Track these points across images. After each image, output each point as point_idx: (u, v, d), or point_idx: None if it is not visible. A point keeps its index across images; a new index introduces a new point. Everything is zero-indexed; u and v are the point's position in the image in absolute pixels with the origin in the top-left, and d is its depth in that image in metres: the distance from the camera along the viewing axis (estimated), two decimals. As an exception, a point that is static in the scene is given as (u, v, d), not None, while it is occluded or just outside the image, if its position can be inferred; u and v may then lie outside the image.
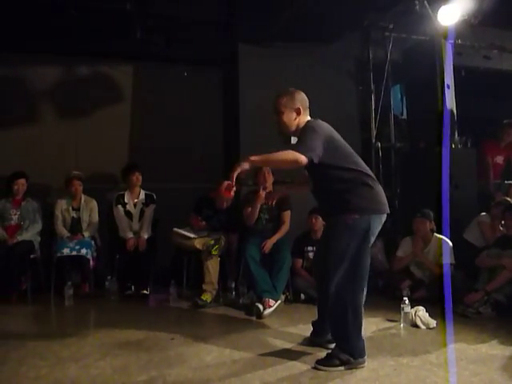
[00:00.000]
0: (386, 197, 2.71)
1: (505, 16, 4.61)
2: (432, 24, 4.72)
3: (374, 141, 5.53)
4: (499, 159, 5.14)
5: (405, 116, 6.04)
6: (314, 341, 2.93)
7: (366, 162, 5.81)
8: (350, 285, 2.55)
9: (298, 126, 2.67)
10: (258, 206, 4.17)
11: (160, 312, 3.97)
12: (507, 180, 5.18)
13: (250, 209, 4.20)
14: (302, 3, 4.42)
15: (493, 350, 2.84)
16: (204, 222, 4.44)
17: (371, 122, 5.54)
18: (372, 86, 5.53)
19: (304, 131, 2.55)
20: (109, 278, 4.42)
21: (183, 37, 5.12)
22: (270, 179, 4.27)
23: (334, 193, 2.60)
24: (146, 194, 4.74)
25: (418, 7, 4.54)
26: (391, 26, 5.26)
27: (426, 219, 4.22)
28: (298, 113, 2.66)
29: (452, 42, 4.76)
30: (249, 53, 5.27)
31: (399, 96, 6.00)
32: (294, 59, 5.28)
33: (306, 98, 2.74)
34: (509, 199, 4.51)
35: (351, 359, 2.51)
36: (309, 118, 2.70)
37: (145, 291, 4.35)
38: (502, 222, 4.19)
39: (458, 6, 4.37)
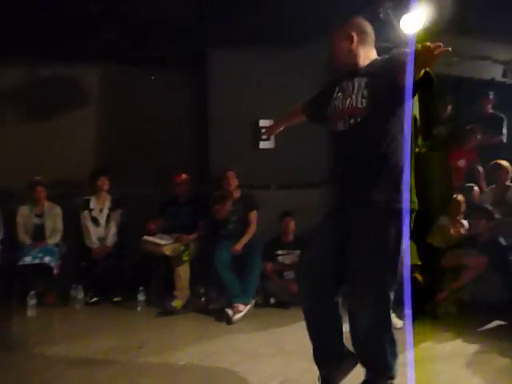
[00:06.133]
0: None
1: (465, 24, 4.79)
2: (396, 31, 4.84)
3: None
4: (461, 163, 5.30)
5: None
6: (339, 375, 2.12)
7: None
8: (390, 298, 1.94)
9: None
10: (228, 204, 4.18)
11: (128, 319, 3.89)
12: (468, 183, 5.35)
13: (217, 206, 4.22)
14: (269, 8, 4.45)
15: (457, 347, 2.92)
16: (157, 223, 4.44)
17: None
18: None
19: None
20: (74, 286, 4.29)
21: (150, 39, 5.05)
22: (234, 183, 4.27)
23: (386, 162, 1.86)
24: (112, 199, 4.65)
25: (381, 15, 4.64)
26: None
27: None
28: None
29: (412, 49, 4.88)
30: (218, 57, 5.26)
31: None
32: (264, 63, 5.31)
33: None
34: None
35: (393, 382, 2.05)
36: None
37: (116, 298, 4.26)
38: (465, 223, 4.32)
39: (421, 14, 4.50)
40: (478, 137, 5.30)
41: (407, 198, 1.86)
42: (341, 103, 1.95)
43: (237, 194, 4.28)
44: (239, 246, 4.07)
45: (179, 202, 4.57)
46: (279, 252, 4.42)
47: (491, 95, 5.68)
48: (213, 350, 2.92)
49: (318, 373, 2.22)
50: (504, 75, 5.55)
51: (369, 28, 2.08)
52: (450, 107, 4.93)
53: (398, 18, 4.72)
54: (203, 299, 4.32)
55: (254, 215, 4.27)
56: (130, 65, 5.30)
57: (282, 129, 2.50)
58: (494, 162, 4.71)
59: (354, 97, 1.90)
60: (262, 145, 5.35)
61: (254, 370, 2.55)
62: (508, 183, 4.59)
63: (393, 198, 1.83)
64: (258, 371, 2.53)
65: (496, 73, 5.71)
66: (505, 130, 5.52)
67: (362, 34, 2.03)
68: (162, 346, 3.02)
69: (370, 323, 1.89)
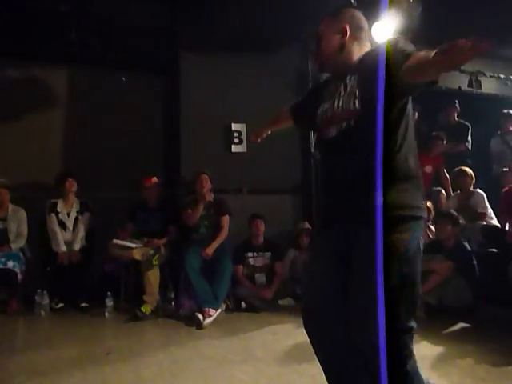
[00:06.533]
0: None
1: (432, 34, 4.93)
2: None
3: (312, 150, 5.67)
4: (428, 169, 5.44)
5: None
6: None
7: (305, 171, 5.91)
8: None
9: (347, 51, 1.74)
10: (200, 208, 4.15)
11: (95, 326, 3.80)
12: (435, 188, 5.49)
13: (189, 210, 4.18)
14: (243, 13, 4.46)
15: (423, 350, 2.97)
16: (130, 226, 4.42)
17: (310, 132, 5.68)
18: (311, 97, 5.68)
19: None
20: (39, 291, 4.16)
21: (122, 41, 4.98)
22: (207, 186, 4.25)
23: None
24: (80, 203, 4.54)
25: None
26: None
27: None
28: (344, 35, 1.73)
29: (382, 57, 4.99)
30: (190, 60, 5.23)
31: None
32: (237, 69, 5.31)
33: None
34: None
35: None
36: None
37: (83, 304, 4.15)
38: (432, 228, 4.43)
39: (390, 24, 4.61)
40: (444, 143, 5.46)
41: (417, 205, 1.59)
42: (331, 107, 1.69)
43: (210, 197, 4.25)
44: (210, 251, 4.05)
45: (149, 206, 4.52)
46: (249, 255, 4.43)
47: (457, 104, 5.87)
48: (182, 356, 2.88)
49: (288, 378, 2.22)
50: (470, 85, 5.74)
51: (365, 23, 1.78)
52: (416, 114, 5.06)
53: (370, 26, 4.82)
54: (173, 304, 4.26)
55: (225, 220, 4.25)
56: (100, 66, 5.20)
57: (269, 133, 2.26)
58: (459, 168, 4.86)
59: (345, 99, 1.63)
60: (235, 148, 5.36)
61: (224, 376, 2.53)
62: (471, 189, 4.74)
63: (401, 205, 1.55)
64: (227, 377, 2.51)
65: (462, 82, 5.91)
66: (470, 138, 5.71)
67: (356, 28, 1.74)
68: (130, 352, 2.96)
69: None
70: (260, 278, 4.42)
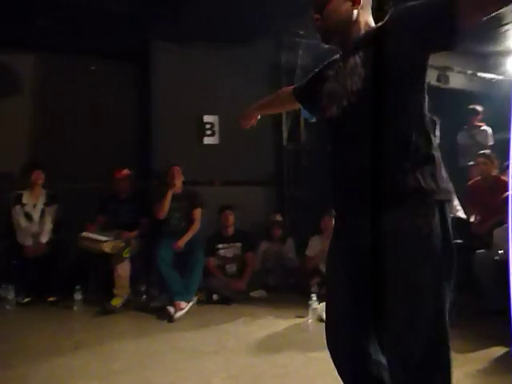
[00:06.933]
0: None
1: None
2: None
3: (285, 143, 5.70)
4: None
5: (314, 120, 6.30)
6: None
7: (277, 164, 5.92)
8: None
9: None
10: (169, 197, 4.11)
11: (64, 320, 3.72)
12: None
13: (160, 203, 4.14)
14: (216, 3, 4.41)
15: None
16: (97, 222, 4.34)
17: (282, 124, 5.69)
18: (284, 90, 5.69)
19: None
20: (4, 286, 4.04)
21: (91, 28, 4.85)
22: (179, 178, 4.21)
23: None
24: (47, 194, 4.42)
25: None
26: (302, 33, 5.45)
27: (333, 217, 4.43)
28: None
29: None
30: (162, 49, 5.15)
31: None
32: (209, 59, 5.26)
33: None
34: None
35: None
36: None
37: (51, 298, 4.05)
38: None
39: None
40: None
41: (447, 188, 1.39)
42: (336, 87, 1.51)
43: (179, 190, 4.22)
44: (182, 243, 4.02)
45: (120, 198, 4.44)
46: (220, 246, 4.44)
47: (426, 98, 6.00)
48: (153, 350, 2.86)
49: (259, 368, 2.24)
50: (438, 80, 5.88)
51: None
52: None
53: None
54: (144, 297, 4.22)
55: (197, 213, 4.23)
56: (67, 53, 5.05)
57: (259, 117, 2.03)
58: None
59: (348, 77, 1.45)
60: (207, 140, 5.32)
61: (196, 367, 2.53)
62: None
63: (429, 186, 1.33)
64: (199, 369, 2.51)
65: (431, 77, 6.03)
66: (438, 132, 5.85)
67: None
68: (100, 346, 2.92)
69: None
70: (230, 268, 4.44)
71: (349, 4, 1.47)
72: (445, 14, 1.22)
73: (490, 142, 5.57)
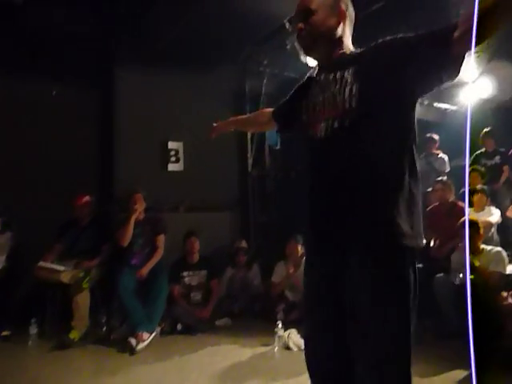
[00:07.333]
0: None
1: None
2: (301, 63, 5.11)
3: (249, 169, 5.73)
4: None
5: (279, 146, 6.39)
6: None
7: (242, 190, 5.92)
8: None
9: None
10: (132, 223, 4.01)
11: (18, 356, 3.51)
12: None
13: (122, 230, 4.03)
14: (181, 31, 4.46)
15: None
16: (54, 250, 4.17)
17: (247, 151, 5.74)
18: (248, 117, 5.77)
19: None
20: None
21: (53, 52, 4.78)
22: (141, 204, 4.13)
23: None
24: (1, 221, 4.23)
25: (288, 46, 4.87)
26: (266, 62, 5.57)
27: (298, 243, 4.45)
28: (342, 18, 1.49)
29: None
30: (126, 75, 5.12)
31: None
32: (174, 86, 5.27)
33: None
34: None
35: None
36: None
37: (4, 333, 3.83)
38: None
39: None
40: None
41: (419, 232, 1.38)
42: (321, 103, 1.43)
43: (141, 216, 4.14)
44: (145, 271, 3.92)
45: (80, 224, 4.31)
46: (185, 273, 4.35)
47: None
48: (113, 385, 2.74)
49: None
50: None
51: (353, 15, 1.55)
52: None
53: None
54: (104, 329, 4.06)
55: (161, 239, 4.15)
56: (27, 78, 4.94)
57: (232, 129, 2.08)
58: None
59: (337, 94, 1.38)
60: (171, 167, 5.28)
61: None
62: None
63: (405, 231, 1.31)
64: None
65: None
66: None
67: (350, 20, 1.51)
68: (56, 383, 2.76)
69: None
70: (195, 296, 4.35)
71: (334, 19, 1.46)
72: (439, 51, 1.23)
73: (447, 169, 5.79)
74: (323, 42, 1.47)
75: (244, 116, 2.03)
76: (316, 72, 1.55)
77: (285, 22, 4.23)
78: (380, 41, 1.39)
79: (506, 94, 5.74)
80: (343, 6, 1.47)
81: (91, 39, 4.99)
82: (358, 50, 1.47)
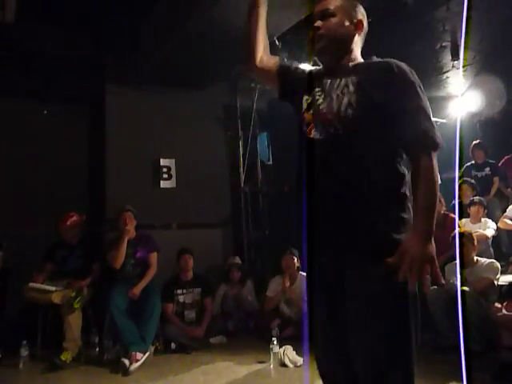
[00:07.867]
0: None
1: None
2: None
3: (242, 185, 5.74)
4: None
5: (271, 162, 6.41)
6: None
7: (235, 206, 5.91)
8: None
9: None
10: (125, 244, 3.96)
11: (7, 379, 3.43)
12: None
13: (114, 252, 3.97)
14: (172, 48, 4.49)
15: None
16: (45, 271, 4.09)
17: (240, 166, 5.75)
18: (240, 133, 5.79)
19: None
20: None
21: (44, 72, 4.80)
22: (132, 223, 4.10)
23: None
24: (-9, 242, 4.18)
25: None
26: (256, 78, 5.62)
27: (295, 256, 4.44)
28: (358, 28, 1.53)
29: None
30: (117, 93, 5.14)
31: (266, 143, 6.36)
32: (165, 103, 5.30)
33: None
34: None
35: None
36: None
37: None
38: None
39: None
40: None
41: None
42: (320, 104, 1.47)
43: (132, 235, 4.09)
44: (137, 290, 3.87)
45: (70, 244, 4.24)
46: (179, 291, 4.30)
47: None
48: (106, 407, 2.68)
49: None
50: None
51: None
52: None
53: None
54: (97, 349, 3.98)
55: (153, 257, 4.11)
56: (19, 97, 4.95)
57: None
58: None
59: (337, 100, 1.43)
60: (163, 184, 5.27)
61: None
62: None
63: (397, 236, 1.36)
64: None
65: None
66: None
67: (365, 31, 1.56)
68: (47, 406, 2.70)
69: None
70: (189, 314, 4.29)
71: (351, 27, 1.50)
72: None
73: (438, 182, 5.83)
74: (336, 46, 1.50)
75: (263, 22, 1.67)
76: (321, 72, 1.57)
77: (274, 39, 4.28)
78: (392, 67, 1.42)
79: (494, 108, 5.83)
80: (361, 16, 1.53)
81: (82, 57, 5.02)
82: (366, 62, 1.52)
